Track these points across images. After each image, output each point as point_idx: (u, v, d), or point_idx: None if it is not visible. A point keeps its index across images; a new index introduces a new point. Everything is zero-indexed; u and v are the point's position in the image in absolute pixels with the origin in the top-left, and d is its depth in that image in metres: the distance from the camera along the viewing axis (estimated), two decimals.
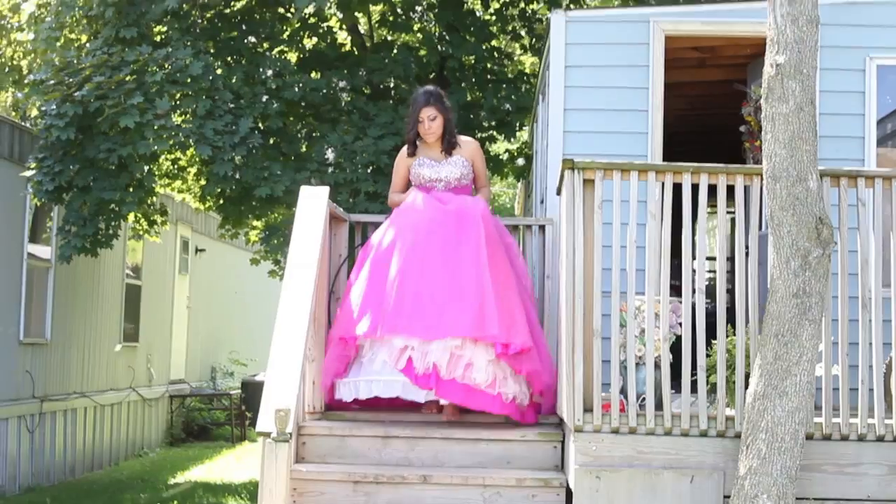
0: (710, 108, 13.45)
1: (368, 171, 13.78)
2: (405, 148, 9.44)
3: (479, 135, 15.82)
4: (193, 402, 24.39)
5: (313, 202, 8.70)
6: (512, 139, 15.97)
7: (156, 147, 13.73)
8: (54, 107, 13.78)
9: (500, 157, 16.60)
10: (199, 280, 25.14)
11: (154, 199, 15.54)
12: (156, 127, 13.34)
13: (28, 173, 14.55)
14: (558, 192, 8.73)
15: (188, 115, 13.89)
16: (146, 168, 14.48)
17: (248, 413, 24.32)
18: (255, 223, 17.11)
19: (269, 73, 14.68)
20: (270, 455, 6.84)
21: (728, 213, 15.97)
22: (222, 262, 26.88)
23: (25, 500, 15.34)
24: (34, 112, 16.72)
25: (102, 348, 19.58)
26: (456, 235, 8.84)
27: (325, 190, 8.90)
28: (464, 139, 9.42)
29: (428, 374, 8.54)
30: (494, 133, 15.84)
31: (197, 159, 15.06)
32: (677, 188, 7.65)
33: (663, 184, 7.67)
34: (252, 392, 24.55)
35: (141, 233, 17.03)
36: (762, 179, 7.34)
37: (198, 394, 24.46)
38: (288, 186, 13.67)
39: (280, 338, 7.52)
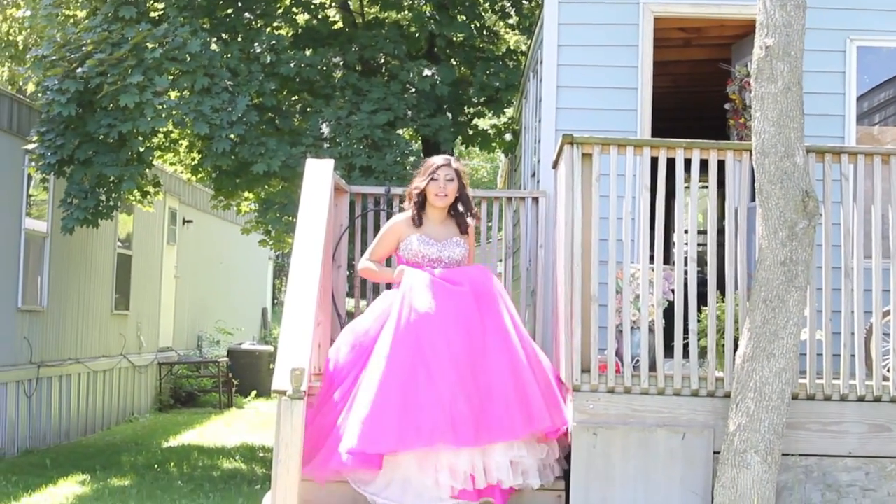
0: (695, 86, 13.82)
1: (362, 146, 14.06)
2: (403, 216, 8.39)
3: (468, 110, 16.17)
4: (181, 369, 24.69)
5: (320, 174, 8.88)
6: (501, 115, 16.28)
7: (154, 126, 13.98)
8: (56, 82, 14.03)
9: (488, 132, 16.90)
10: (186, 251, 25.44)
11: (149, 170, 15.82)
12: (156, 105, 13.60)
13: (30, 146, 14.85)
14: (554, 166, 9.13)
15: (186, 92, 14.15)
16: (145, 144, 14.74)
17: (235, 380, 24.67)
18: (247, 195, 17.40)
19: (264, 48, 14.91)
20: (287, 412, 7.11)
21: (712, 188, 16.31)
22: (209, 233, 27.17)
23: (24, 462, 15.67)
24: (31, 87, 16.99)
25: (95, 316, 19.91)
26: (481, 322, 7.84)
27: (331, 163, 9.10)
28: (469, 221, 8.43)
29: (491, 487, 7.61)
30: (483, 108, 16.18)
31: (189, 132, 15.31)
32: (670, 163, 8.06)
33: (657, 158, 8.08)
34: (238, 360, 24.96)
35: (135, 202, 17.31)
36: (751, 155, 7.75)
37: (185, 361, 24.78)
38: (284, 161, 13.95)
39: (292, 304, 7.77)
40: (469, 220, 8.37)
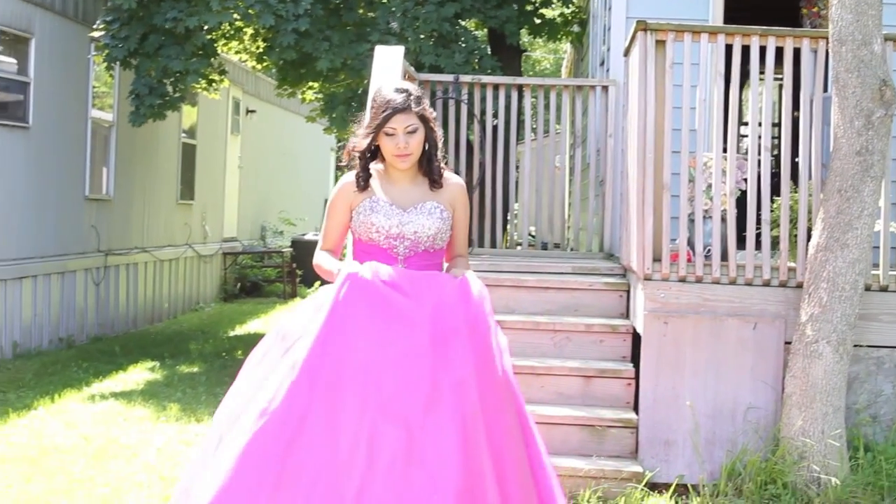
0: None
1: (430, 41, 13.94)
2: (348, 176, 5.55)
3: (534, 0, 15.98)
4: (245, 259, 24.84)
5: (390, 61, 8.81)
6: (569, 4, 16.09)
7: (220, 20, 13.93)
8: None
9: (556, 21, 16.73)
10: (249, 141, 25.51)
11: (214, 59, 15.82)
12: None
13: (97, 34, 14.88)
14: (626, 54, 9.07)
15: None
16: (210, 37, 14.72)
17: (298, 271, 24.79)
18: (312, 83, 17.36)
19: None
20: None
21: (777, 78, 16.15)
22: (272, 123, 27.20)
23: (94, 349, 15.87)
24: None
25: (161, 206, 20.05)
26: (432, 385, 4.88)
27: (401, 49, 9.05)
28: (449, 176, 5.62)
29: None
30: None
31: (254, 21, 15.25)
32: (744, 52, 7.98)
33: (731, 46, 8.00)
34: (301, 250, 25.03)
35: (200, 90, 17.34)
36: (828, 43, 7.65)
37: (250, 251, 24.93)
38: (347, 61, 13.88)
39: None
40: (445, 173, 5.57)
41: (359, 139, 5.46)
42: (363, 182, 5.50)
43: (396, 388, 4.83)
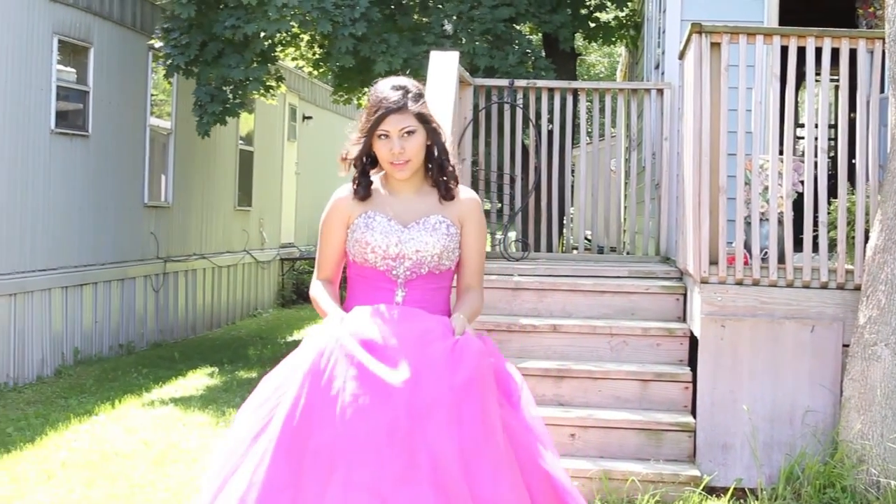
0: None
1: (485, 41, 13.96)
2: (342, 189, 4.86)
3: (588, 3, 15.95)
4: (303, 265, 24.92)
5: (445, 66, 8.84)
6: (624, 7, 16.07)
7: (278, 28, 14.01)
8: None
9: (610, 25, 16.72)
10: (306, 147, 25.60)
11: (272, 66, 15.91)
12: (279, 5, 13.60)
13: (157, 44, 15.01)
14: (681, 57, 9.06)
15: None
16: (268, 44, 14.81)
17: None
18: (369, 89, 17.41)
19: None
20: None
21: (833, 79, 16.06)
22: (328, 129, 27.27)
23: (153, 355, 15.99)
24: None
25: (218, 212, 20.18)
26: (412, 466, 4.22)
27: (455, 55, 9.07)
28: (460, 189, 4.84)
29: None
30: (605, 1, 15.97)
31: (312, 28, 15.33)
32: (800, 53, 7.94)
33: (786, 48, 7.96)
34: None
35: (258, 96, 17.46)
36: (884, 43, 7.61)
37: (307, 257, 24.97)
38: (406, 60, 13.92)
39: None
40: (459, 186, 4.82)
41: (350, 145, 4.74)
42: (363, 191, 4.76)
43: (368, 466, 4.20)
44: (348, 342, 4.37)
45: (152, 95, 17.42)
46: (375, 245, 4.64)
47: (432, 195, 4.77)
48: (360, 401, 4.26)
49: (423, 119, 4.64)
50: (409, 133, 4.60)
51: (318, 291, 4.81)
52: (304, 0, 13.65)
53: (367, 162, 4.75)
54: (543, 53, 15.04)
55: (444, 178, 4.75)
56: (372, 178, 4.79)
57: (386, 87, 4.63)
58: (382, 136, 4.61)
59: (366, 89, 17.24)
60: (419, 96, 4.66)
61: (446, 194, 4.75)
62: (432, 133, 4.67)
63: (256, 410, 4.51)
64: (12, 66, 13.54)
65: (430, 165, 4.75)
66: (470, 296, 4.82)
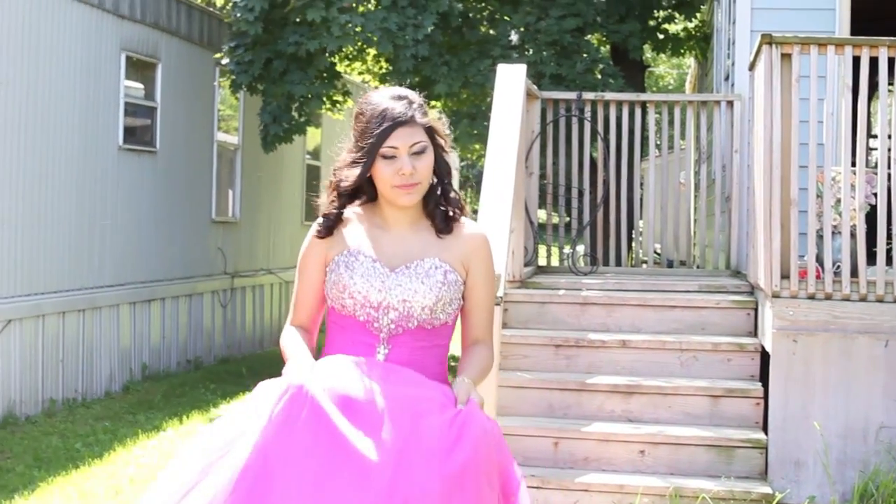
0: None
1: (552, 52, 13.92)
2: (319, 223, 4.01)
3: (657, 14, 15.83)
4: None
5: (512, 80, 8.80)
6: (692, 18, 15.97)
7: (340, 45, 14.04)
8: None
9: (679, 36, 16.62)
10: None
11: (338, 81, 15.94)
12: (342, 22, 13.62)
13: (224, 61, 15.08)
14: (751, 68, 8.95)
15: (371, 5, 14.15)
16: (332, 60, 14.85)
17: None
18: (434, 103, 17.42)
19: None
20: None
21: None
22: None
23: (221, 370, 16.03)
24: (220, 1, 17.21)
25: (285, 227, 20.22)
26: None
27: (523, 68, 9.03)
28: (465, 223, 4.04)
29: None
30: (674, 12, 15.88)
31: (375, 46, 15.39)
32: (872, 63, 7.81)
33: (858, 59, 7.83)
34: None
35: (325, 111, 17.49)
36: None
37: None
38: (466, 81, 13.89)
39: (487, 210, 7.69)
40: (462, 218, 4.04)
41: (345, 169, 3.92)
42: (327, 225, 3.96)
43: None
44: (319, 395, 3.54)
45: (219, 111, 17.49)
46: (354, 290, 3.85)
47: (430, 231, 3.97)
48: (327, 480, 3.46)
49: (433, 134, 3.91)
50: (420, 151, 3.84)
51: (290, 337, 3.99)
52: (368, 20, 13.66)
53: (350, 193, 3.97)
54: (611, 63, 14.97)
55: (443, 207, 3.95)
56: (347, 214, 4.00)
57: (384, 98, 3.86)
58: (388, 155, 3.82)
59: (432, 103, 17.28)
60: (424, 107, 3.93)
61: (444, 227, 3.95)
62: (438, 151, 3.93)
63: (204, 456, 3.61)
64: (81, 83, 13.63)
65: (432, 194, 3.95)
66: (477, 352, 4.00)
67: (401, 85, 14.78)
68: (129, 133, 14.88)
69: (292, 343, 3.92)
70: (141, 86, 15.34)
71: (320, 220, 3.97)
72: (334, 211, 3.95)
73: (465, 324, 4.03)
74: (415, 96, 3.91)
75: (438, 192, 3.94)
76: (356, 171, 3.85)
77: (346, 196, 3.95)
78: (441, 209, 3.93)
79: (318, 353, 3.92)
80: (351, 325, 3.88)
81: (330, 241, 3.95)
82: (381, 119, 3.80)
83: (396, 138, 3.79)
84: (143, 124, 15.34)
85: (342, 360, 3.74)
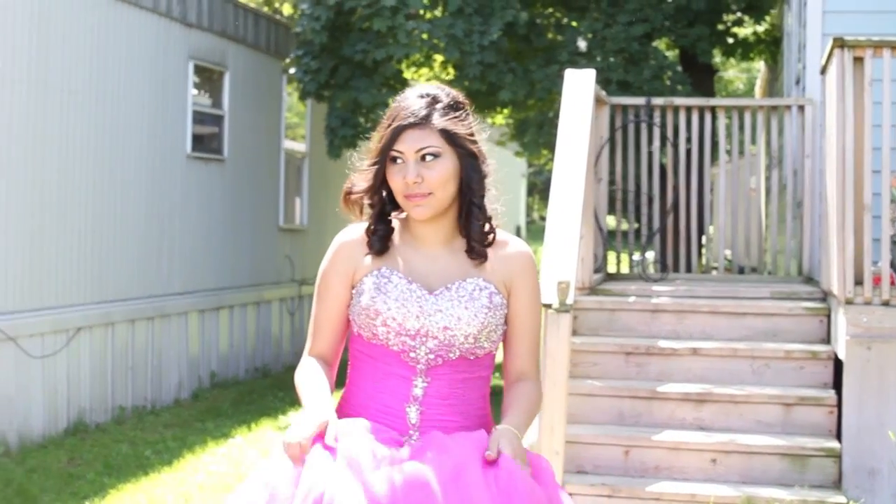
0: None
1: (619, 59, 13.85)
2: (347, 232, 3.61)
3: (726, 18, 15.70)
4: None
5: (580, 86, 8.69)
6: (762, 22, 15.83)
7: (407, 53, 14.04)
8: (307, 6, 14.24)
9: (748, 40, 16.50)
10: None
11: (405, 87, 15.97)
12: (408, 29, 13.62)
13: (291, 70, 15.13)
14: (822, 72, 8.83)
15: (438, 12, 14.13)
16: (398, 67, 14.86)
17: None
18: (501, 110, 17.41)
19: None
20: (553, 325, 7.02)
21: None
22: None
23: (289, 378, 15.96)
24: (287, 10, 17.26)
25: None
26: None
27: (591, 73, 8.94)
28: (507, 239, 3.60)
29: None
30: (743, 16, 15.75)
31: (441, 53, 15.39)
32: None
33: None
34: None
35: None
36: None
37: None
38: (537, 83, 13.83)
39: (556, 217, 7.64)
40: (501, 235, 3.57)
41: (358, 174, 3.54)
42: (378, 243, 3.50)
43: None
44: (346, 465, 3.08)
45: (287, 118, 17.54)
46: (388, 316, 3.36)
47: (462, 251, 3.50)
48: None
49: (453, 139, 3.39)
50: (431, 156, 3.36)
51: (306, 371, 3.50)
52: (435, 27, 13.64)
53: (385, 199, 3.51)
54: (680, 69, 14.88)
55: (479, 222, 3.47)
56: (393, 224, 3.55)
57: (410, 95, 3.44)
58: (397, 160, 3.41)
59: (493, 113, 17.27)
60: (452, 108, 3.42)
61: (480, 244, 3.47)
62: (465, 158, 3.42)
63: None
64: (150, 92, 13.70)
65: (459, 206, 3.48)
66: (523, 390, 3.52)
67: (466, 92, 14.83)
68: (198, 141, 14.94)
69: (308, 385, 3.43)
70: (209, 94, 15.41)
71: (364, 232, 3.51)
72: (377, 223, 3.50)
73: (507, 354, 3.55)
74: (444, 95, 3.44)
75: (472, 206, 3.46)
76: (365, 178, 3.49)
77: (380, 205, 3.50)
78: (477, 223, 3.45)
79: (339, 378, 3.52)
80: (383, 356, 3.41)
81: (358, 255, 3.49)
82: (393, 119, 3.41)
83: (402, 141, 3.37)
84: (211, 132, 15.41)
85: (363, 446, 3.16)
